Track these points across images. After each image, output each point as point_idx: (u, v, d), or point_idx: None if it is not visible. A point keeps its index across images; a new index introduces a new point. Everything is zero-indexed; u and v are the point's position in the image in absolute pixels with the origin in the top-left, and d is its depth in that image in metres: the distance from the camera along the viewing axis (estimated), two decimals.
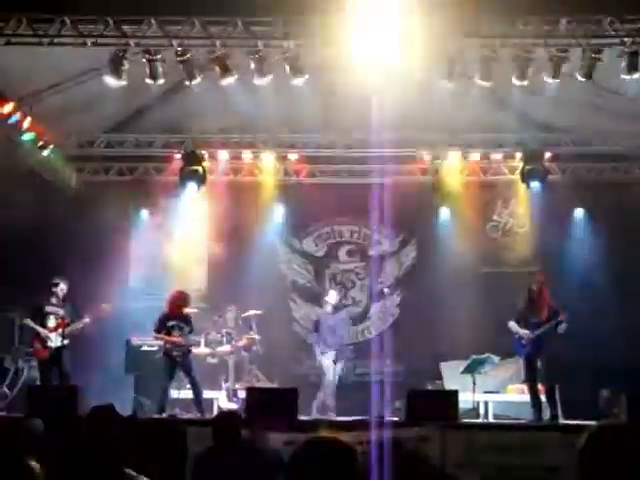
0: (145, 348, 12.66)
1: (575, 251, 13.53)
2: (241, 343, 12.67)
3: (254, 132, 13.59)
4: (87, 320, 11.04)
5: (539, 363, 10.32)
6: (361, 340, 14.33)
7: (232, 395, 11.82)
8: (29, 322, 11.06)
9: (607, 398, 11.78)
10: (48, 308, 10.99)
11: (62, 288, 11.05)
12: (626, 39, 9.50)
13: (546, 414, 10.19)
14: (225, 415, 6.62)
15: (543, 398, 10.28)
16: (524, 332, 10.25)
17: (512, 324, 10.40)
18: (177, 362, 10.88)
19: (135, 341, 12.86)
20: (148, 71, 10.16)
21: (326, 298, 12.65)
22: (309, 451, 3.08)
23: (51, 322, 10.92)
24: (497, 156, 13.94)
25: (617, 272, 13.13)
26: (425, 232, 14.63)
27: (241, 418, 5.52)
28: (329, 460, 3.03)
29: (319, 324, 12.27)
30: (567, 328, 10.11)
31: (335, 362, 11.89)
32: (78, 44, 9.75)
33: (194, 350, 11.65)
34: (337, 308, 12.47)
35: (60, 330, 10.81)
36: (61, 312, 10.97)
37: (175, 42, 9.83)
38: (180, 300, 11.17)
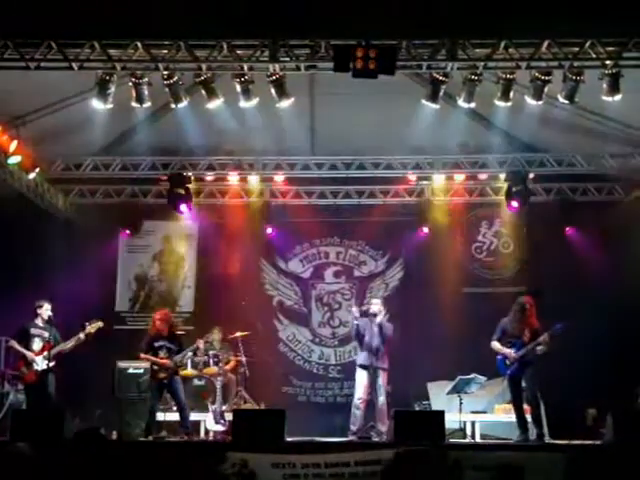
0: (131, 371, 12.61)
1: (559, 271, 13.59)
2: (229, 366, 12.67)
3: (240, 154, 13.64)
4: (82, 336, 10.96)
5: (524, 383, 10.33)
6: (348, 361, 14.32)
7: (219, 417, 11.79)
8: (14, 344, 10.98)
9: (594, 417, 11.82)
10: (33, 330, 10.91)
11: (47, 308, 10.98)
12: (607, 61, 9.61)
13: (532, 434, 10.20)
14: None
15: (529, 418, 10.29)
16: (508, 352, 10.27)
17: (495, 344, 10.40)
18: (164, 384, 10.85)
19: (121, 364, 12.82)
20: (134, 94, 10.20)
21: (372, 307, 11.47)
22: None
23: (36, 345, 10.85)
24: (482, 177, 14.02)
25: (601, 291, 13.20)
26: (411, 253, 14.69)
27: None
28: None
29: (360, 333, 11.25)
30: (544, 350, 10.14)
31: (371, 376, 11.05)
32: (64, 68, 9.77)
33: (181, 371, 11.62)
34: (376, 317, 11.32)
35: (46, 353, 10.74)
36: (46, 334, 10.88)
37: (161, 65, 9.88)
38: (164, 320, 11.14)
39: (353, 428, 10.98)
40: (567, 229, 14.24)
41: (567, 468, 7.39)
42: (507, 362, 10.26)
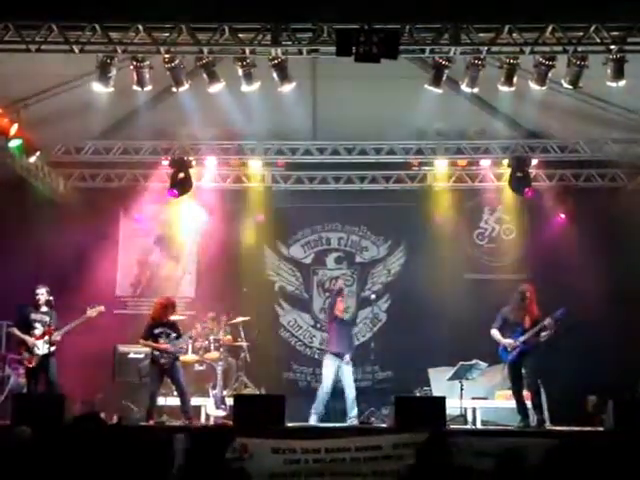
0: (132, 355, 12.65)
1: (561, 257, 13.56)
2: (225, 339, 12.67)
3: (242, 139, 13.59)
4: (82, 319, 10.95)
5: (524, 369, 10.33)
6: None
7: (220, 402, 11.79)
8: (15, 331, 10.97)
9: (594, 404, 11.82)
10: (34, 315, 10.89)
11: (42, 293, 10.94)
12: (612, 46, 9.54)
13: (533, 420, 10.21)
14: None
15: (529, 404, 10.30)
16: (506, 341, 10.29)
17: (494, 332, 10.42)
18: (164, 369, 10.85)
19: (122, 348, 12.84)
20: (135, 78, 10.14)
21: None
22: None
23: (38, 330, 10.82)
24: (484, 163, 13.96)
25: (604, 278, 13.17)
26: (412, 239, 14.65)
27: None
28: None
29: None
30: (549, 335, 10.15)
31: (339, 368, 11.67)
32: (65, 50, 9.70)
33: (181, 357, 11.62)
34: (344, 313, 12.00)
35: (47, 337, 10.73)
36: (47, 319, 10.87)
37: (162, 49, 9.82)
38: (165, 306, 11.13)
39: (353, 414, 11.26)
40: (569, 215, 14.21)
41: (567, 454, 7.38)
42: (509, 349, 10.27)
